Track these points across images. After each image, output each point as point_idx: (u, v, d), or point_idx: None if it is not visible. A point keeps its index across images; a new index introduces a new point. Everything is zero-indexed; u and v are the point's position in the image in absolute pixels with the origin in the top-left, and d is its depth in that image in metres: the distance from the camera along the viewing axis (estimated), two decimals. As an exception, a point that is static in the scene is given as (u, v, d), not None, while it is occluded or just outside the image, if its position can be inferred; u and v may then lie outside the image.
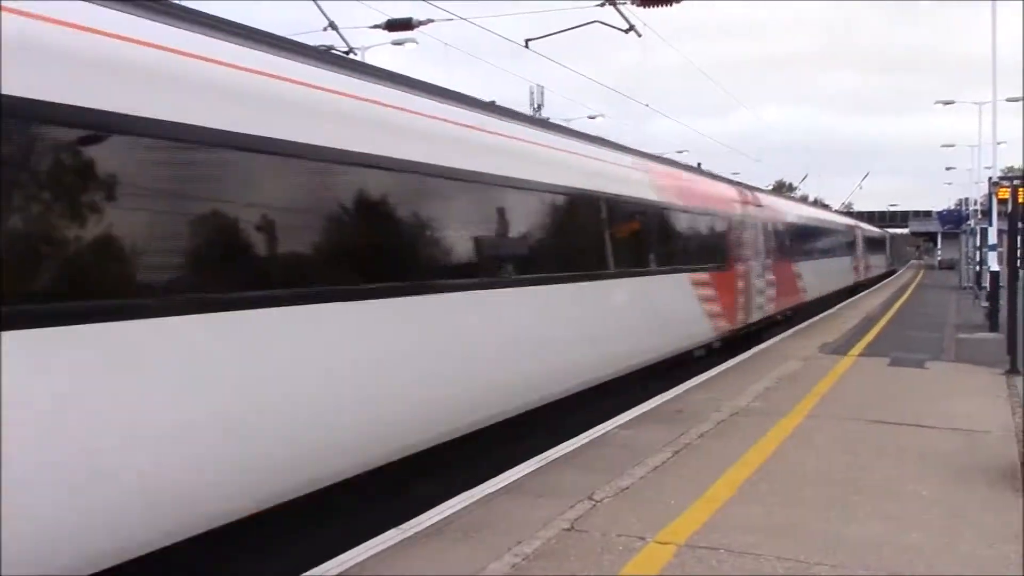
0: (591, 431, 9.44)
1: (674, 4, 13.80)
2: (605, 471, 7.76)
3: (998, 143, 30.72)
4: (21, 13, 4.37)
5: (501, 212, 8.85)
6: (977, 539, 6.15)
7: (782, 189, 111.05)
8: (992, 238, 24.13)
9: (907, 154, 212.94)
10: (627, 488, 7.31)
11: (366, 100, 7.08)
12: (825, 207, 56.06)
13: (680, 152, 59.50)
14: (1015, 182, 19.97)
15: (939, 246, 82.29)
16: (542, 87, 66.36)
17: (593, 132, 11.94)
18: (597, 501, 6.92)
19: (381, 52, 29.01)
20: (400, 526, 6.34)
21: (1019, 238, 15.14)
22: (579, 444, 8.89)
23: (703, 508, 6.75)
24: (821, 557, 5.72)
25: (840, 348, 17.32)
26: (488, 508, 6.80)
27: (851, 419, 10.23)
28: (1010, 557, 5.78)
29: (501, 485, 7.39)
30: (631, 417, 10.26)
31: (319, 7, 11.69)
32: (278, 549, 6.22)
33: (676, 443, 8.86)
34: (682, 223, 14.77)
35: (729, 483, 7.45)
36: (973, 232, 36.24)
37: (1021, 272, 14.92)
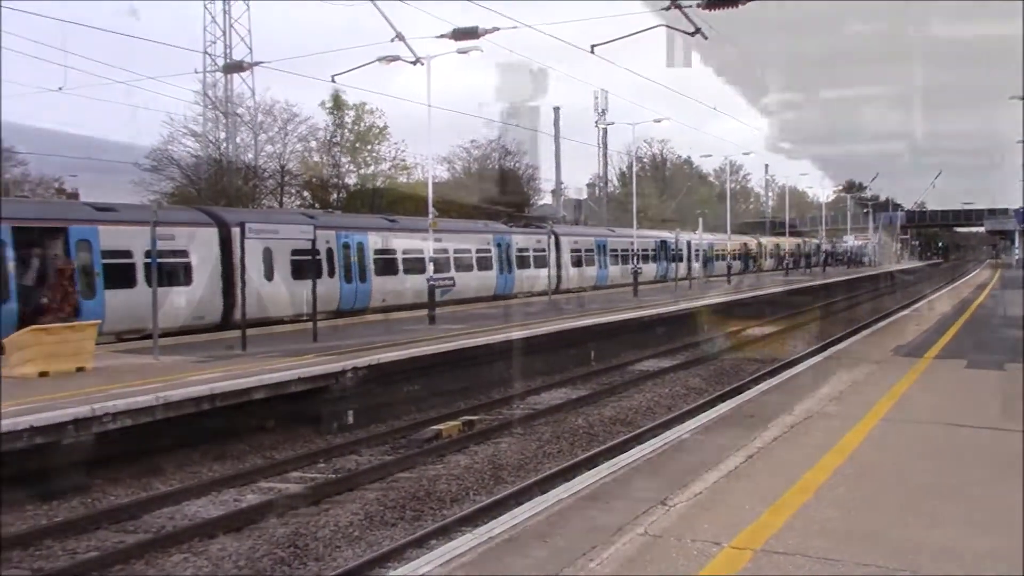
0: (662, 436, 9.41)
1: (740, 5, 13.74)
2: (678, 476, 7.73)
3: (1078, 137, 29.74)
4: None
5: None
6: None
7: (851, 189, 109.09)
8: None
9: (982, 151, 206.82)
10: (701, 493, 7.28)
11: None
12: None
13: (746, 154, 58.89)
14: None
15: (1017, 244, 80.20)
16: (606, 91, 66.44)
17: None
18: (671, 506, 6.91)
19: (446, 61, 29.59)
20: (474, 531, 6.40)
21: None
22: (651, 449, 8.87)
23: (778, 513, 6.69)
24: (902, 563, 5.64)
25: (915, 350, 16.97)
26: (561, 514, 6.84)
27: (928, 422, 10.04)
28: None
29: (574, 491, 7.42)
30: (704, 422, 10.21)
31: (388, 20, 11.91)
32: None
33: (750, 447, 8.78)
34: None
35: (804, 488, 7.37)
36: (1053, 229, 35.18)
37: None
